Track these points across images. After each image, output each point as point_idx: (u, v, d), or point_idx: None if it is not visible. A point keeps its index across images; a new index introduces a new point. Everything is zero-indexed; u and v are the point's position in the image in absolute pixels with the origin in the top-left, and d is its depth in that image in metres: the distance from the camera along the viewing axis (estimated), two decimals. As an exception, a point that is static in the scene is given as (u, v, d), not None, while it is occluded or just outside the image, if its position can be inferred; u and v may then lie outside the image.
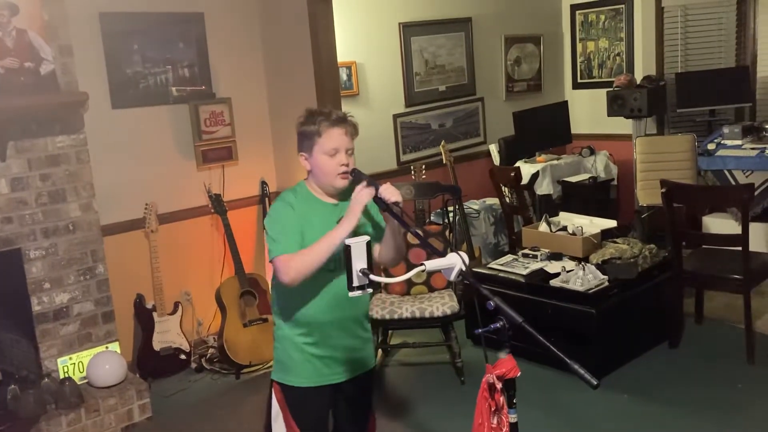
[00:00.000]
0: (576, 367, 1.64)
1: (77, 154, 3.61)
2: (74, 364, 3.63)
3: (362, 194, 2.04)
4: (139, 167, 4.17)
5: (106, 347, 3.74)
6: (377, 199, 2.05)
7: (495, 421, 1.84)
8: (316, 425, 2.27)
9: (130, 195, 4.10)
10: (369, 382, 2.38)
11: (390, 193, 2.03)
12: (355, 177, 2.14)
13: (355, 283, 1.85)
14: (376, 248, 2.21)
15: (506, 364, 1.79)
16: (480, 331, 1.77)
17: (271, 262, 2.09)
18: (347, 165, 2.14)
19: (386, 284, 4.00)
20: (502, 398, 1.81)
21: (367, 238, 1.87)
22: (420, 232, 2.15)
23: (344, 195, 2.20)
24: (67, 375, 3.56)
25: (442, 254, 1.90)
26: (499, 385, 1.79)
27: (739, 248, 3.69)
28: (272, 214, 2.16)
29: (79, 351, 3.66)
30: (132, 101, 4.13)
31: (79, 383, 3.53)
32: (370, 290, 1.87)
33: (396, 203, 2.03)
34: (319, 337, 2.19)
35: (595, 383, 1.63)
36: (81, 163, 3.63)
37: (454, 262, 1.85)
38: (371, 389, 2.42)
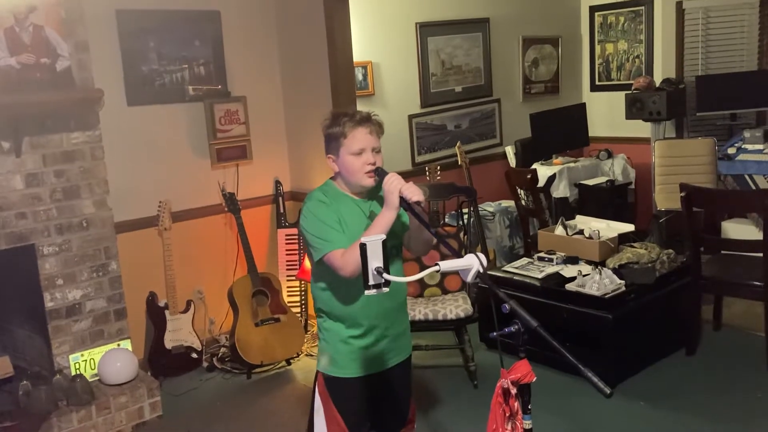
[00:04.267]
0: (589, 374, 1.60)
1: (92, 151, 3.61)
2: (86, 360, 3.62)
3: (394, 182, 2.07)
4: (154, 165, 4.17)
5: (118, 344, 3.73)
6: (399, 198, 2.07)
7: (509, 427, 1.80)
8: (359, 415, 2.32)
9: (144, 192, 4.10)
10: (409, 368, 2.45)
11: (412, 192, 2.06)
12: (380, 176, 2.17)
13: (371, 282, 1.84)
14: (405, 238, 2.29)
15: (521, 368, 1.75)
16: (495, 334, 1.74)
17: (320, 260, 2.14)
18: (374, 164, 2.18)
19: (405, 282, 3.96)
20: (516, 404, 1.77)
21: (382, 236, 1.86)
22: (438, 232, 2.14)
23: (371, 194, 2.27)
24: (78, 372, 3.56)
25: (460, 254, 1.88)
26: (513, 391, 1.76)
27: (760, 254, 3.62)
28: (308, 214, 2.20)
29: (91, 348, 3.65)
30: (147, 99, 4.12)
31: (90, 380, 3.53)
32: (386, 289, 1.86)
33: (417, 203, 2.06)
34: (364, 329, 2.25)
35: (608, 392, 1.59)
36: (95, 159, 3.63)
37: (472, 263, 1.83)
38: (410, 375, 2.47)
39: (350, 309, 2.22)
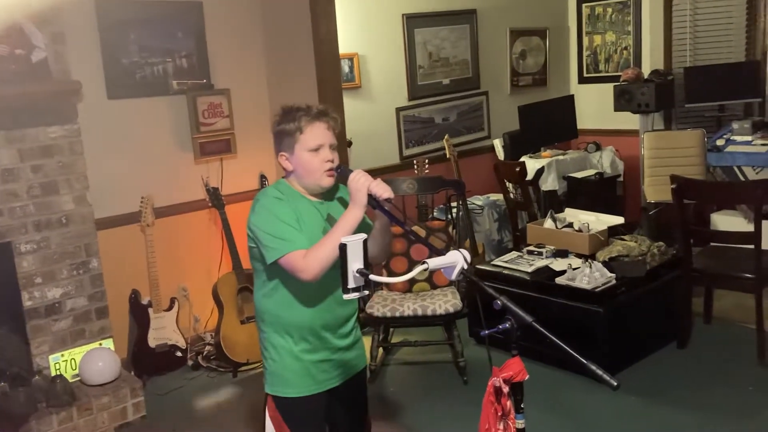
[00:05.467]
0: (594, 368, 1.56)
1: (70, 145, 3.52)
2: (66, 361, 3.54)
3: (362, 180, 1.96)
4: (135, 159, 4.07)
5: (100, 344, 3.64)
6: (368, 196, 1.96)
7: (502, 427, 1.74)
8: None
9: (125, 188, 4.01)
10: (363, 382, 2.32)
11: (382, 189, 1.95)
12: (341, 173, 2.05)
13: (351, 285, 1.74)
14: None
15: (514, 366, 1.69)
16: (486, 332, 1.67)
17: (274, 263, 1.98)
18: (332, 161, 2.05)
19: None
20: (509, 402, 1.72)
21: (363, 236, 1.77)
22: (414, 230, 2.04)
23: (327, 195, 2.14)
24: (58, 372, 3.47)
25: (440, 252, 1.80)
26: (506, 389, 1.70)
27: (751, 246, 3.59)
28: (262, 211, 2.04)
29: (72, 347, 3.57)
30: (128, 92, 4.02)
31: (71, 381, 3.44)
32: (366, 292, 1.77)
33: (388, 200, 1.95)
34: (316, 342, 2.11)
35: (615, 385, 1.55)
36: (74, 154, 3.54)
37: (456, 260, 1.75)
38: (365, 389, 2.35)
39: (301, 318, 2.07)
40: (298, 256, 1.95)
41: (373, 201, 1.96)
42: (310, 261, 1.93)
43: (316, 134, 2.04)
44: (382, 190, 1.94)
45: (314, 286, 2.00)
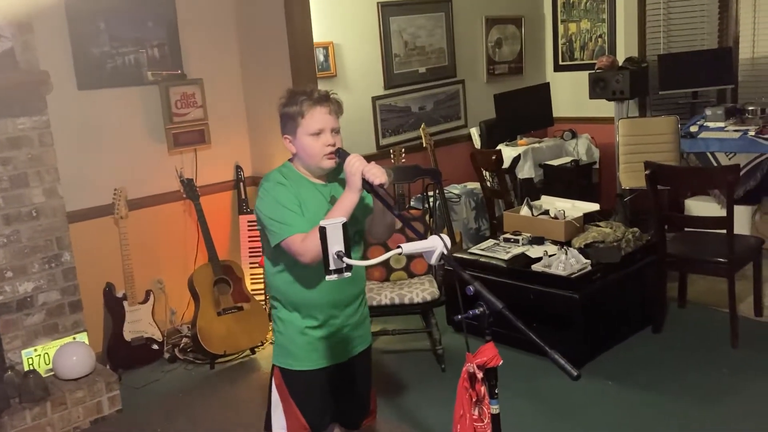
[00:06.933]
0: (556, 356, 1.55)
1: (40, 137, 3.46)
2: (40, 355, 3.49)
3: (356, 164, 1.98)
4: (107, 151, 4.01)
5: (74, 338, 3.60)
6: (362, 180, 1.99)
7: (476, 413, 1.75)
8: (319, 408, 2.24)
9: (97, 180, 3.95)
10: (369, 358, 2.37)
11: (375, 174, 1.97)
12: (341, 157, 2.08)
13: (332, 267, 1.77)
14: (367, 223, 2.20)
15: (487, 352, 1.69)
16: (460, 317, 1.68)
17: (278, 245, 2.04)
18: (333, 145, 2.08)
19: (365, 269, 3.89)
20: (483, 388, 1.72)
21: (342, 219, 1.79)
22: (403, 215, 2.07)
23: (331, 177, 2.17)
24: (31, 367, 3.42)
25: (424, 237, 1.81)
26: (479, 375, 1.70)
27: (723, 231, 3.63)
28: (265, 196, 2.09)
29: (45, 342, 3.52)
30: (99, 82, 3.96)
31: (44, 376, 3.40)
32: (348, 274, 1.78)
33: (381, 185, 1.97)
34: (322, 319, 2.17)
35: (575, 374, 1.54)
36: (44, 146, 3.48)
37: (435, 244, 1.77)
38: (371, 365, 2.39)
39: (308, 296, 2.13)
40: (297, 240, 2.00)
41: (366, 185, 1.98)
42: (307, 245, 1.97)
43: (317, 119, 2.07)
44: (375, 175, 1.97)
45: (319, 267, 2.01)
